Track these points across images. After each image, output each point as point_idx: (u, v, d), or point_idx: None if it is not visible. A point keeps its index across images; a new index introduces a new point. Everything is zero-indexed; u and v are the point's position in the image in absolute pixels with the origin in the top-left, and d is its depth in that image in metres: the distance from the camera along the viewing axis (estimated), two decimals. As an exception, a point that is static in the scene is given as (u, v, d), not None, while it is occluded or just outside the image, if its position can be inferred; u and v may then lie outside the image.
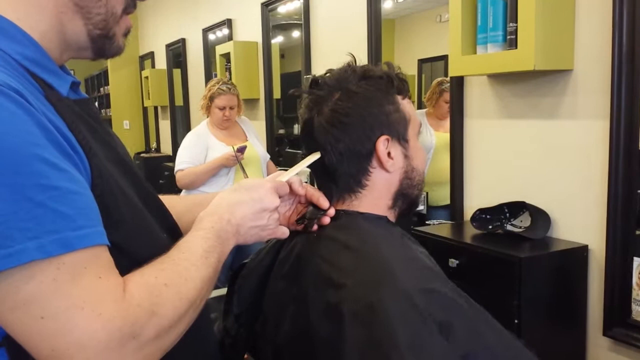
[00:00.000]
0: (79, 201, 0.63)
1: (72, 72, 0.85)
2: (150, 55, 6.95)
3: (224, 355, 1.08)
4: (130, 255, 0.73)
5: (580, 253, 1.93)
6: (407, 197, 1.03)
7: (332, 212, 0.99)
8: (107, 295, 0.63)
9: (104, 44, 0.81)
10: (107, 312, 0.61)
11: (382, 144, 0.97)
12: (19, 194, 0.59)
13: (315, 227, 0.99)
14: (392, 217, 1.03)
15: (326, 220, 0.99)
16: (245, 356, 1.11)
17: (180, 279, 0.72)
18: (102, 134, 0.79)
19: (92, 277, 0.62)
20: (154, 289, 0.68)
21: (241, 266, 1.12)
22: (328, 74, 1.02)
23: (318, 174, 1.03)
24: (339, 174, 0.99)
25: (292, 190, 1.00)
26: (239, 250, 3.53)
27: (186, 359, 0.83)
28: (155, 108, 6.99)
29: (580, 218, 1.96)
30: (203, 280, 0.75)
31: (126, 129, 7.56)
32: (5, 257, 0.58)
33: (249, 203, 0.89)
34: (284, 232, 0.96)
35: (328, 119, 0.98)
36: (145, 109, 7.50)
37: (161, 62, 6.59)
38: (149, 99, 6.74)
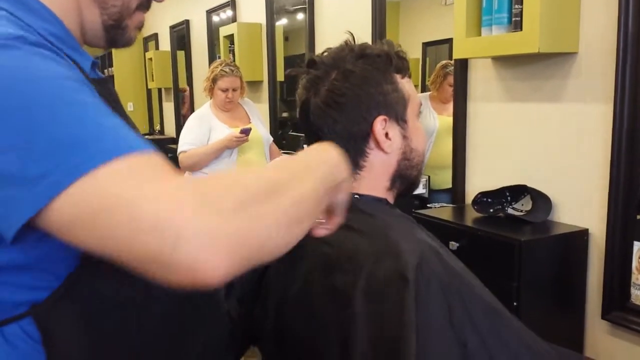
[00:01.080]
0: (117, 119, 0.63)
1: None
2: (154, 36, 6.92)
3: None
4: None
5: (580, 237, 1.94)
6: (405, 178, 1.02)
7: None
8: (174, 178, 0.59)
9: (116, 34, 0.84)
10: (179, 189, 0.56)
11: (380, 125, 0.96)
12: (76, 111, 0.59)
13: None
14: (390, 198, 1.02)
15: None
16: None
17: (262, 171, 0.66)
18: (121, 114, 0.80)
19: (161, 172, 0.59)
20: (225, 175, 0.63)
21: None
22: (325, 53, 1.01)
23: None
24: None
25: None
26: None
27: (196, 337, 0.83)
28: (159, 90, 6.98)
29: (581, 202, 1.96)
30: (293, 175, 0.67)
31: (130, 110, 7.56)
32: (77, 165, 0.56)
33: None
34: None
35: (324, 100, 0.97)
36: (149, 91, 7.49)
37: (165, 43, 6.56)
38: (153, 80, 6.72)
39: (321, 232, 0.81)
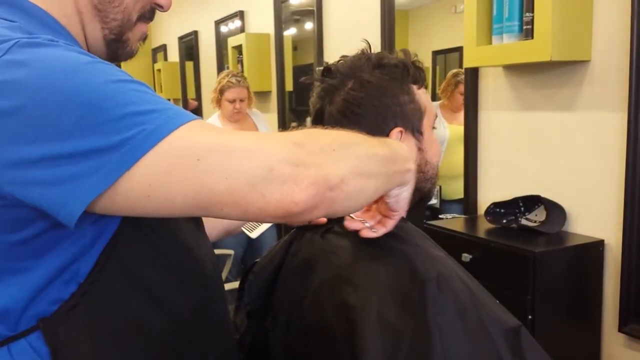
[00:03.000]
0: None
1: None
2: (163, 47, 6.95)
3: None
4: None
5: (596, 248, 1.90)
6: (420, 190, 1.00)
7: None
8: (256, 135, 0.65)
9: (117, 48, 0.83)
10: (265, 137, 0.63)
11: (396, 136, 0.93)
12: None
13: (324, 219, 0.97)
14: (403, 211, 1.00)
15: None
16: None
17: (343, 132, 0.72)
18: None
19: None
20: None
21: (253, 264, 1.10)
22: (341, 62, 0.98)
23: None
24: None
25: None
26: (251, 246, 3.54)
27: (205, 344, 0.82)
28: (168, 101, 6.99)
29: (596, 212, 1.92)
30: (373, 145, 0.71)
31: (139, 121, 7.58)
32: (168, 120, 0.59)
33: None
34: None
35: (340, 109, 0.94)
36: (157, 102, 7.51)
37: (174, 54, 6.58)
38: (162, 91, 6.74)
39: (368, 233, 0.85)
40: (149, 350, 0.74)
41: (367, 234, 0.84)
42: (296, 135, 0.63)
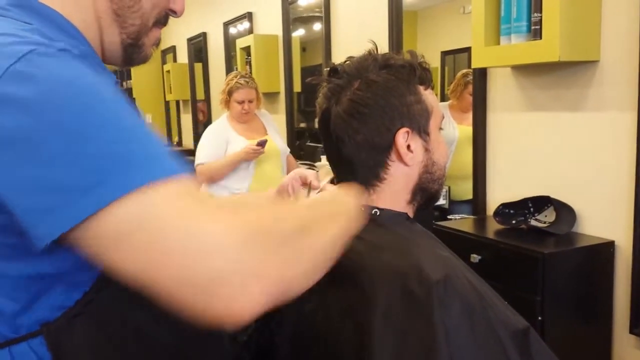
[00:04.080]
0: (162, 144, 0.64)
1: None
2: (172, 49, 6.98)
3: (235, 351, 1.07)
4: None
5: (606, 249, 1.89)
6: (426, 191, 1.00)
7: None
8: (215, 205, 0.60)
9: (133, 53, 0.84)
10: (222, 216, 0.58)
11: (402, 137, 0.93)
12: (115, 130, 0.59)
13: None
14: (410, 212, 1.00)
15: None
16: None
17: (301, 209, 0.73)
18: None
19: (199, 198, 0.59)
20: (261, 207, 0.70)
21: None
22: (348, 62, 0.98)
23: (336, 166, 1.00)
24: (357, 166, 0.96)
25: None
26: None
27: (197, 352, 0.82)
28: (177, 102, 7.02)
29: (606, 213, 1.91)
30: (322, 215, 0.72)
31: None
32: (126, 182, 0.56)
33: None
34: None
35: (346, 109, 0.94)
36: (167, 103, 7.54)
37: (183, 56, 6.61)
38: (171, 93, 6.77)
39: None
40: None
41: None
42: (259, 224, 0.59)
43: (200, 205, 0.58)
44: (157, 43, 0.88)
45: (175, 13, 0.86)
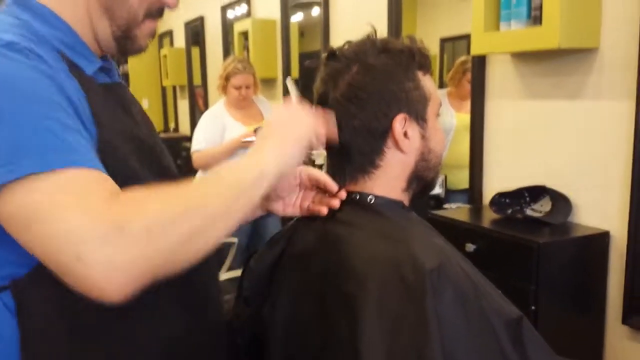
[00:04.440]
0: (76, 136, 0.72)
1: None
2: (169, 33, 6.92)
3: (232, 337, 1.07)
4: None
5: (601, 239, 1.88)
6: (422, 179, 0.99)
7: (343, 194, 0.96)
8: (96, 196, 0.68)
9: (126, 44, 0.91)
10: (94, 209, 0.66)
11: (399, 123, 0.92)
12: (30, 120, 0.68)
13: (325, 210, 0.96)
14: (406, 200, 0.99)
15: (335, 203, 0.95)
16: None
17: (181, 189, 0.74)
18: (122, 113, 0.89)
19: (84, 188, 0.68)
20: (147, 192, 0.72)
21: (255, 251, 1.10)
22: (346, 46, 0.97)
23: (331, 151, 0.98)
24: (353, 152, 0.95)
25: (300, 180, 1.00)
26: (255, 234, 3.54)
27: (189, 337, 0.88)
28: (174, 87, 6.98)
29: (602, 203, 1.90)
30: (217, 192, 0.76)
31: (145, 108, 7.55)
32: (6, 172, 0.65)
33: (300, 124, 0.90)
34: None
35: (343, 93, 0.93)
36: (164, 89, 7.50)
37: (180, 40, 6.56)
38: (168, 78, 6.72)
39: (335, 203, 0.95)
40: (123, 326, 0.81)
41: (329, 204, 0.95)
42: (127, 212, 0.66)
43: (77, 197, 0.66)
44: (153, 35, 0.93)
45: (168, 6, 0.92)
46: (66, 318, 0.78)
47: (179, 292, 0.87)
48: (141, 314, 0.81)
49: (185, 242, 0.69)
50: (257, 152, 0.84)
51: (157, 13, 0.92)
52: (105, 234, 0.63)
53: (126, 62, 7.75)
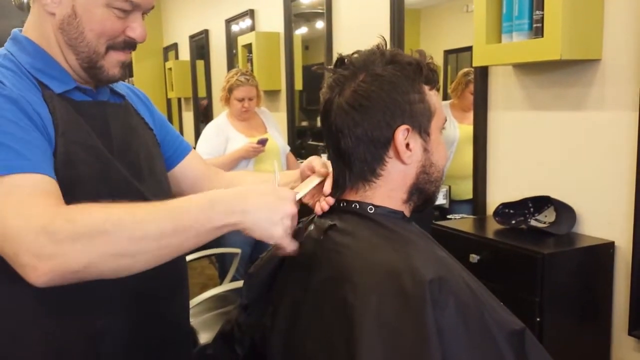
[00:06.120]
0: (26, 144, 0.85)
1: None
2: (174, 46, 6.97)
3: (229, 347, 1.07)
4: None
5: (606, 250, 1.87)
6: (423, 192, 0.98)
7: (330, 200, 0.99)
8: (36, 204, 0.81)
9: (94, 74, 1.03)
10: (31, 215, 0.79)
11: (402, 134, 0.92)
12: None
13: (319, 209, 0.99)
14: (407, 211, 0.99)
15: (319, 209, 0.99)
16: None
17: (120, 210, 0.83)
18: (88, 126, 1.00)
19: (28, 194, 0.81)
20: (85, 207, 0.82)
21: (256, 259, 1.10)
22: (355, 54, 0.98)
23: (333, 157, 0.99)
24: (354, 160, 0.95)
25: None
26: (258, 244, 3.51)
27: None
28: (179, 100, 7.01)
29: (606, 214, 1.90)
30: (151, 217, 0.83)
31: (150, 120, 7.58)
32: None
33: (269, 195, 0.90)
34: (292, 246, 0.93)
35: (348, 100, 0.93)
36: (169, 101, 7.53)
37: (185, 53, 6.60)
38: (173, 90, 6.75)
39: (278, 253, 0.95)
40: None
41: (278, 253, 0.96)
42: (56, 219, 0.78)
43: (18, 201, 0.80)
44: (123, 64, 1.05)
45: (134, 40, 1.03)
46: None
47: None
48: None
49: (104, 259, 0.79)
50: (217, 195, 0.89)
51: (124, 45, 1.03)
52: (37, 235, 0.77)
53: (131, 75, 7.80)
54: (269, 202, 0.88)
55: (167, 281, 1.11)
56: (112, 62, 1.02)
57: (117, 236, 0.79)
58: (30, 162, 0.84)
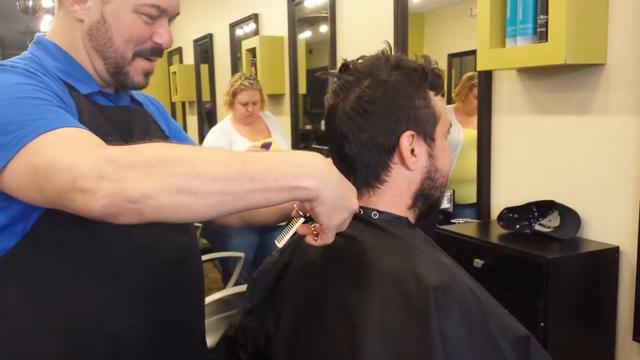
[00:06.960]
0: (66, 114, 0.87)
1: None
2: (178, 50, 6.98)
3: (233, 352, 1.07)
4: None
5: (610, 254, 1.87)
6: (428, 198, 0.98)
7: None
8: (91, 141, 0.80)
9: (120, 79, 1.06)
10: (88, 146, 0.79)
11: (406, 140, 0.92)
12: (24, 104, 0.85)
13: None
14: (412, 217, 0.99)
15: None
16: None
17: (185, 147, 0.79)
18: (108, 129, 1.01)
19: (79, 137, 0.81)
20: (146, 144, 0.79)
21: (260, 263, 1.10)
22: (360, 60, 0.98)
23: (338, 163, 0.98)
24: (358, 165, 0.95)
25: None
26: (262, 248, 3.53)
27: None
28: (183, 103, 7.02)
29: (611, 218, 1.89)
30: (223, 161, 0.76)
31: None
32: (16, 142, 0.80)
33: (347, 182, 0.83)
34: (332, 240, 0.84)
35: (353, 106, 0.93)
36: (173, 104, 7.55)
37: (189, 57, 6.61)
38: (177, 94, 6.77)
39: (310, 240, 0.84)
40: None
41: (309, 240, 0.84)
42: (117, 151, 0.76)
43: (66, 144, 0.79)
44: (148, 73, 1.07)
45: (161, 46, 1.05)
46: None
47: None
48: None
49: (162, 192, 0.72)
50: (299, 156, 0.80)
51: (151, 52, 1.05)
52: (95, 161, 0.74)
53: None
54: (345, 186, 0.81)
55: (184, 287, 1.10)
56: (137, 69, 1.05)
57: (177, 169, 0.73)
58: (72, 121, 0.85)
